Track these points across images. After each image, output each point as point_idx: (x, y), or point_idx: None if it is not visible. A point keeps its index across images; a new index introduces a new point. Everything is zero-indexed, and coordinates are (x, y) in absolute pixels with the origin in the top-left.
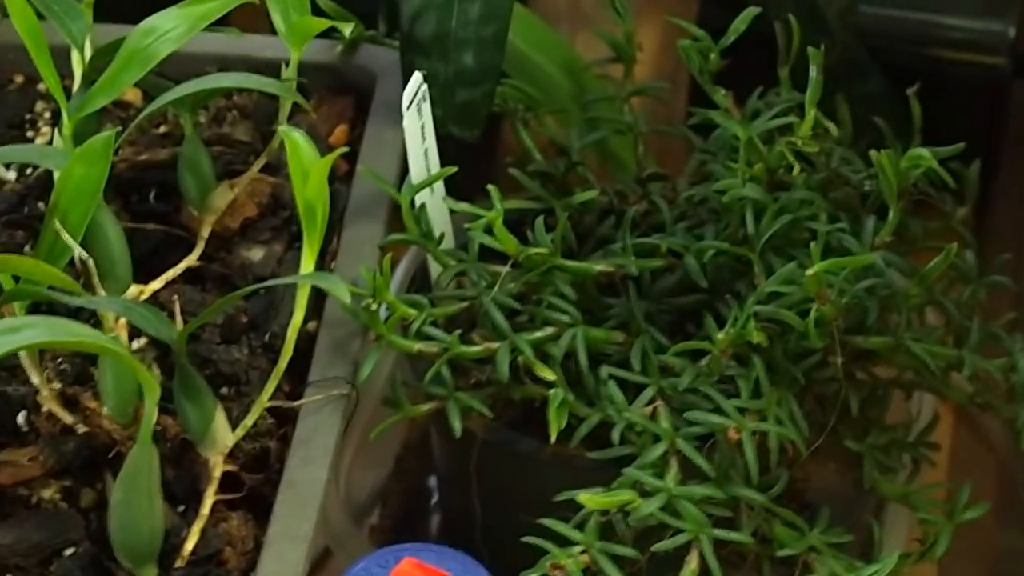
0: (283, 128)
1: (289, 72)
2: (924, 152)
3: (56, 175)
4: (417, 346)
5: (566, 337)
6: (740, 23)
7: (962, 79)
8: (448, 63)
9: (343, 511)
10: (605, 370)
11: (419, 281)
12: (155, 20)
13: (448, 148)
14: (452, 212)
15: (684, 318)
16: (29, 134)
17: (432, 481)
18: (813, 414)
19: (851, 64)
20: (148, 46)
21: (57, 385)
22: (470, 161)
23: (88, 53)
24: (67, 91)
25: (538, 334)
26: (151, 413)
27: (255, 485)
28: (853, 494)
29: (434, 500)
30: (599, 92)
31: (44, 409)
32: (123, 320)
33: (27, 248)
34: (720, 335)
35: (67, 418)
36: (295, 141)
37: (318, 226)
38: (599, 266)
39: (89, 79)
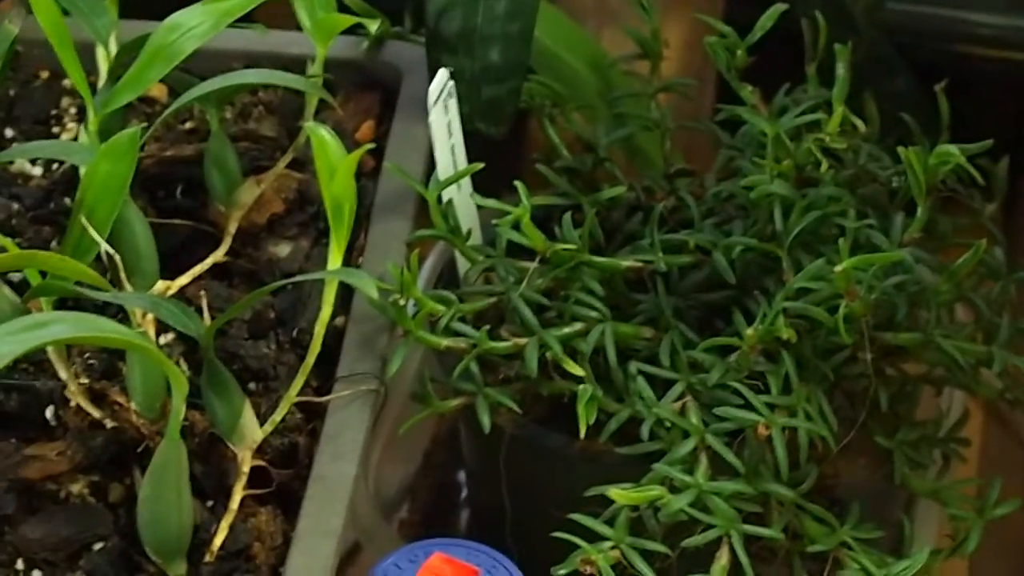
0: (309, 124)
1: (315, 68)
2: (952, 149)
3: (82, 171)
4: (445, 342)
5: (595, 333)
6: (767, 20)
7: (990, 75)
8: (474, 59)
9: (372, 506)
10: (634, 366)
11: (447, 277)
12: (180, 16)
13: (475, 144)
14: (479, 208)
15: (712, 314)
16: (55, 130)
17: (461, 476)
18: (842, 410)
19: (878, 61)
20: (173, 42)
21: (85, 380)
22: (497, 157)
23: (113, 49)
24: (92, 87)
25: (566, 330)
26: (179, 408)
27: (284, 480)
28: (883, 490)
29: (463, 495)
30: (626, 88)
31: (72, 404)
32: (150, 316)
33: (53, 244)
34: (749, 331)
35: (95, 413)
36: (322, 137)
37: (345, 222)
38: (627, 262)
39: (115, 75)
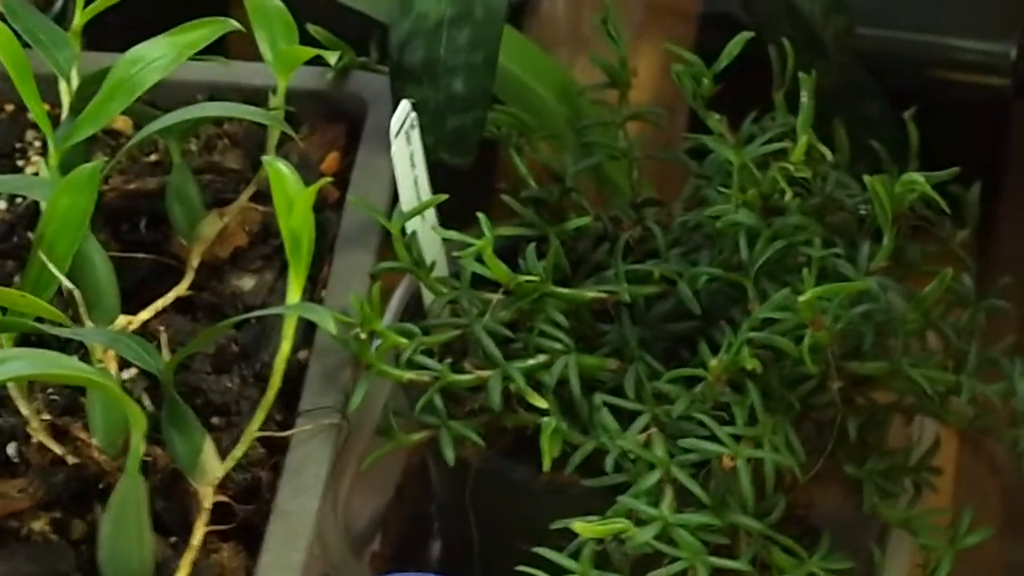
0: (267, 158)
1: (276, 101)
2: (918, 177)
3: (43, 205)
4: (408, 375)
5: (559, 365)
6: (733, 47)
7: (964, 100)
8: (438, 90)
9: (342, 539)
10: (599, 397)
11: (413, 309)
12: (141, 49)
13: (442, 175)
14: (445, 239)
15: (678, 344)
16: (19, 163)
17: (432, 508)
18: (812, 439)
19: (850, 86)
20: (134, 75)
21: (47, 416)
22: (465, 187)
23: (76, 82)
24: (55, 120)
25: (530, 362)
26: (138, 445)
27: (247, 515)
28: (857, 518)
29: (434, 528)
30: (595, 117)
31: (34, 440)
32: (112, 351)
33: (16, 278)
34: (714, 362)
35: (57, 449)
36: (279, 171)
37: (304, 256)
38: (591, 293)
39: (76, 108)
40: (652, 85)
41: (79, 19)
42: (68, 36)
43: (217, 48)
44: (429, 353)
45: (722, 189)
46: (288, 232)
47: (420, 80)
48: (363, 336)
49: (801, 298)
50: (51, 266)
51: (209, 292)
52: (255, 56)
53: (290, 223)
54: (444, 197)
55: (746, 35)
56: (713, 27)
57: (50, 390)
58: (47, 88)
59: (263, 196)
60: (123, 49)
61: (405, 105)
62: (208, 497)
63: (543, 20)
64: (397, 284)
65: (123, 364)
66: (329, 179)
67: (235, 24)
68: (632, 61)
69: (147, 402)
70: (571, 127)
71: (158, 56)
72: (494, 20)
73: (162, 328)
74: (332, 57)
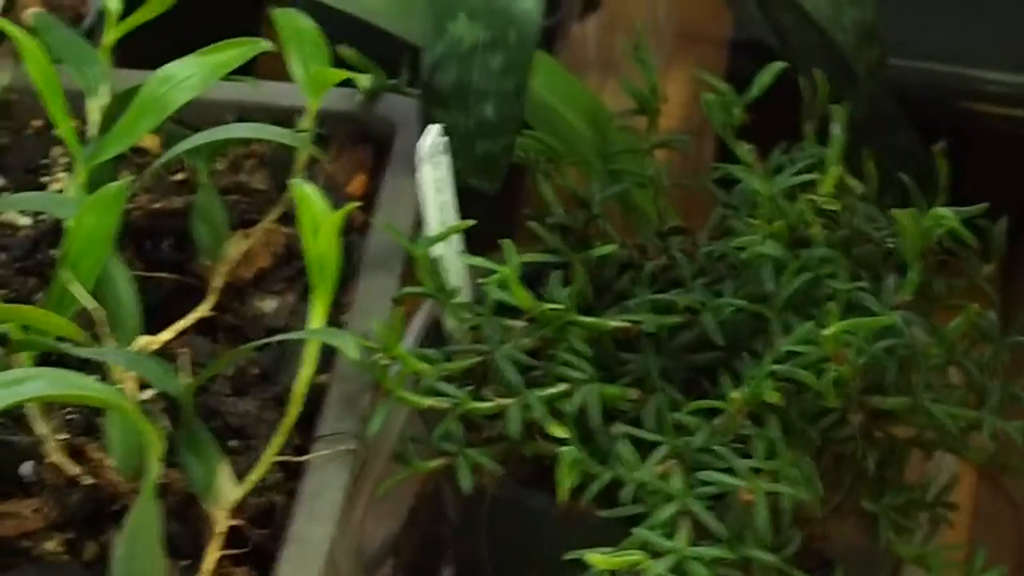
0: (295, 181)
1: (306, 122)
2: (946, 212)
3: (68, 223)
4: (428, 402)
5: (579, 394)
6: (765, 78)
7: (995, 132)
8: (468, 115)
9: (354, 562)
10: (618, 428)
11: (434, 333)
12: (172, 68)
13: (469, 199)
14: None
15: (700, 374)
16: (44, 179)
17: (445, 533)
18: (830, 473)
19: (879, 117)
20: (164, 94)
21: (64, 436)
22: (491, 211)
23: (105, 99)
24: (83, 136)
25: (551, 391)
26: (153, 468)
27: (260, 540)
28: (873, 551)
29: (447, 553)
30: (622, 143)
31: (50, 460)
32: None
33: (39, 295)
34: (735, 394)
35: (73, 470)
36: (306, 194)
37: (328, 280)
38: (614, 322)
39: (105, 126)
40: (681, 111)
41: (110, 36)
42: (98, 53)
43: (247, 66)
44: (448, 380)
45: (750, 220)
46: (313, 256)
47: (450, 104)
48: (384, 362)
49: (825, 332)
50: (75, 286)
51: (231, 313)
52: (284, 74)
53: (316, 247)
54: (470, 223)
55: (778, 66)
56: (744, 54)
57: (68, 409)
58: (75, 103)
59: (289, 217)
60: (154, 67)
61: (434, 129)
62: (222, 521)
63: (573, 44)
64: (419, 306)
65: (142, 384)
66: (356, 204)
67: (267, 45)
68: (662, 86)
69: (166, 423)
70: (599, 153)
71: (188, 75)
72: (527, 46)
73: (183, 349)
74: (363, 79)
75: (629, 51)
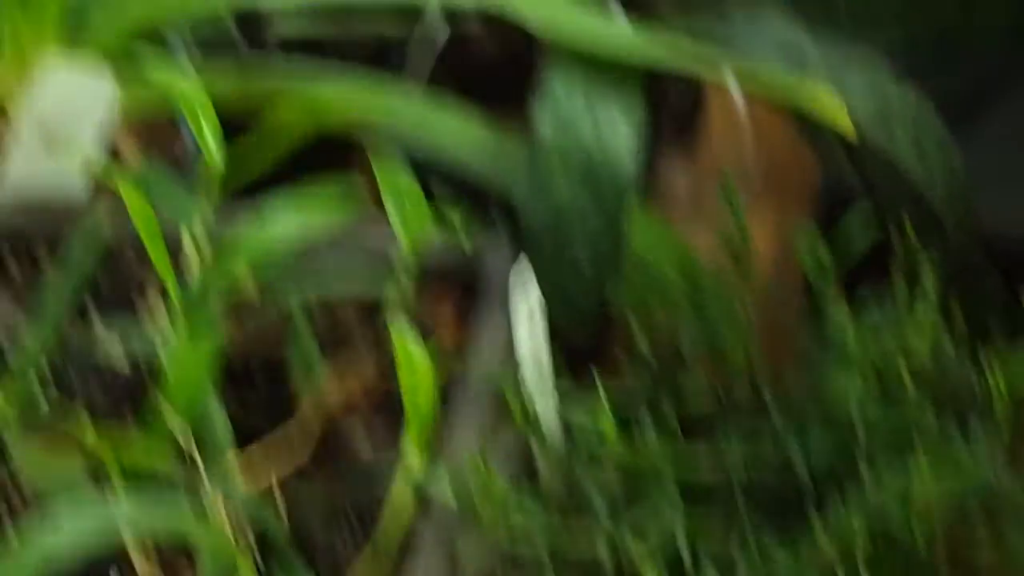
0: (393, 324)
1: (402, 266)
2: None
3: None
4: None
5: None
6: (860, 241)
7: None
8: (562, 271)
9: None
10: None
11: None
12: (272, 212)
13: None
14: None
15: (787, 508)
16: (134, 297)
17: None
18: None
19: (966, 263)
20: (263, 240)
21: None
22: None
23: (205, 247)
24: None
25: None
26: None
27: None
28: None
29: None
30: (713, 288)
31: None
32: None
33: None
34: (824, 541)
35: None
36: (403, 338)
37: (423, 424)
38: (707, 475)
39: (203, 270)
40: (769, 251)
41: (213, 191)
42: (200, 200)
43: None
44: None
45: (839, 364)
46: (409, 400)
47: (546, 257)
48: (477, 497)
49: (915, 491)
50: (171, 418)
51: (324, 447)
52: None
53: (413, 394)
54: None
55: (868, 219)
56: (831, 199)
57: None
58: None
59: (383, 351)
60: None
61: (526, 269)
62: None
63: (663, 190)
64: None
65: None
66: (454, 357)
67: (363, 195)
68: (750, 226)
69: (255, 552)
70: (689, 299)
71: (287, 225)
72: (622, 208)
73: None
74: (458, 230)
75: (720, 195)
